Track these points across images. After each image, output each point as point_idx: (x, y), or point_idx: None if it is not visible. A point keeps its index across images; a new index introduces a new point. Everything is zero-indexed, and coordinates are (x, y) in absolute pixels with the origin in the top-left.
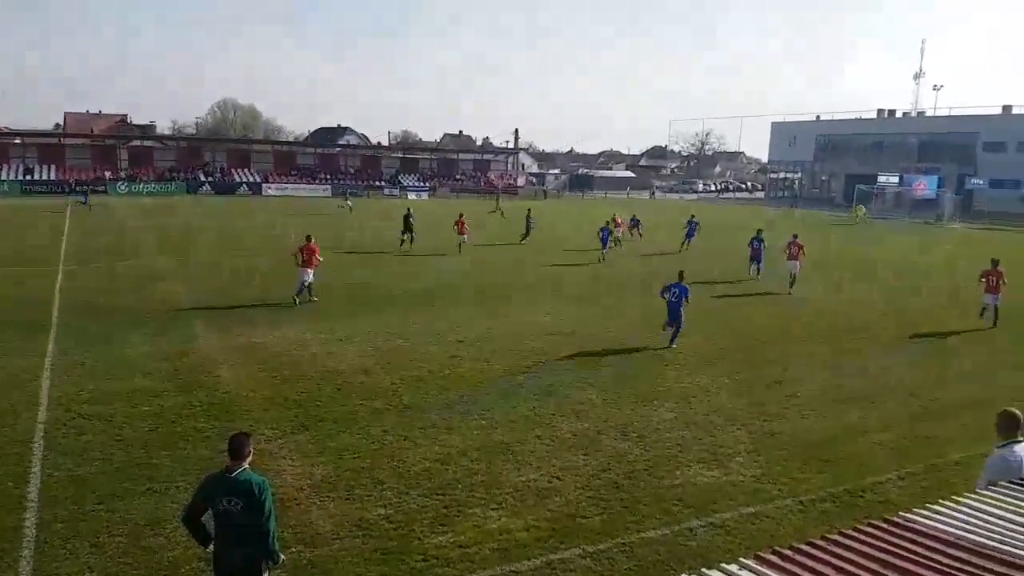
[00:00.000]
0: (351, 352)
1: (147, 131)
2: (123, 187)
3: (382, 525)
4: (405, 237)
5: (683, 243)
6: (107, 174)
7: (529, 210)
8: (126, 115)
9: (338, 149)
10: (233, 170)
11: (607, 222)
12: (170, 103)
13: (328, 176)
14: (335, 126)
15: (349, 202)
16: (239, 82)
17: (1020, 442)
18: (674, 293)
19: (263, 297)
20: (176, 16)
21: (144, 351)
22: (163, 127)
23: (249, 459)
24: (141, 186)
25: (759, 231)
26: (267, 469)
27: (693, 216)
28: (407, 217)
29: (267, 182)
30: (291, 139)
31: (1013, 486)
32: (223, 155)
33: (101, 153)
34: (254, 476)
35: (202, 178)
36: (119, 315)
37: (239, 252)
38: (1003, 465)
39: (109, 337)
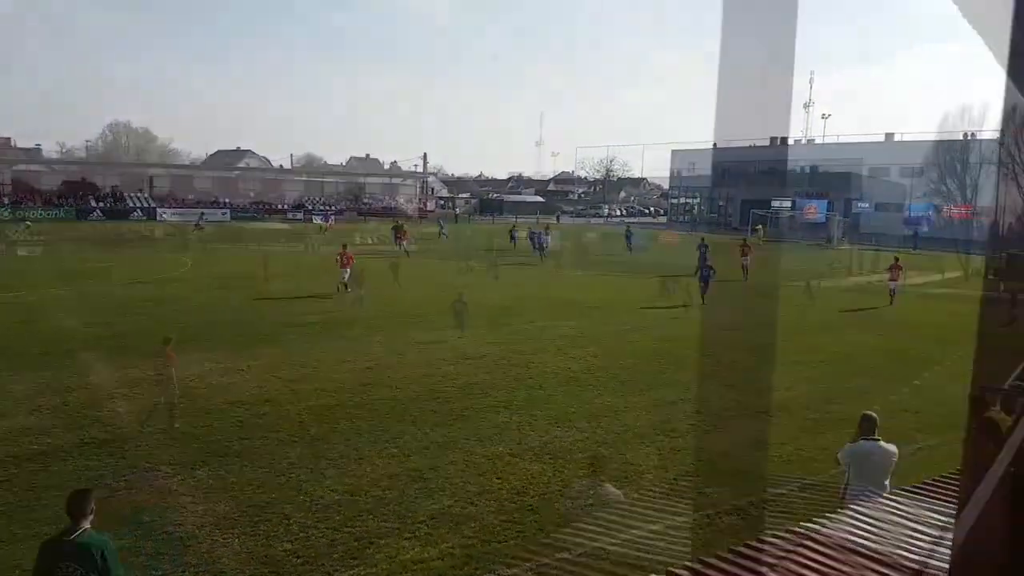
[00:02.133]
0: (253, 382)
1: (32, 155)
2: (6, 214)
3: (290, 561)
4: (399, 245)
5: (628, 248)
6: None
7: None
8: (9, 138)
9: (237, 172)
10: (126, 195)
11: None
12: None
13: (227, 201)
14: (234, 148)
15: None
16: (132, 103)
17: (875, 440)
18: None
19: (157, 327)
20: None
21: (30, 387)
22: (50, 150)
23: (91, 518)
24: (27, 212)
25: (703, 239)
26: (166, 507)
27: (629, 227)
28: (396, 228)
29: (163, 207)
30: (188, 162)
31: (905, 494)
32: (116, 179)
33: None
34: (94, 538)
35: (93, 204)
36: (2, 349)
37: (134, 281)
38: (850, 452)
39: None
